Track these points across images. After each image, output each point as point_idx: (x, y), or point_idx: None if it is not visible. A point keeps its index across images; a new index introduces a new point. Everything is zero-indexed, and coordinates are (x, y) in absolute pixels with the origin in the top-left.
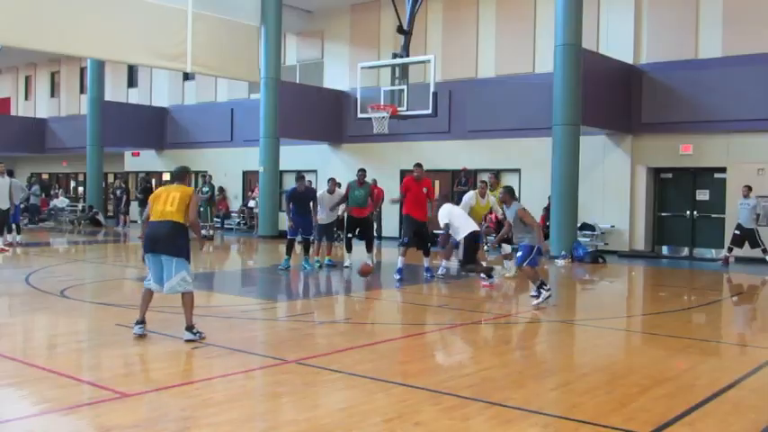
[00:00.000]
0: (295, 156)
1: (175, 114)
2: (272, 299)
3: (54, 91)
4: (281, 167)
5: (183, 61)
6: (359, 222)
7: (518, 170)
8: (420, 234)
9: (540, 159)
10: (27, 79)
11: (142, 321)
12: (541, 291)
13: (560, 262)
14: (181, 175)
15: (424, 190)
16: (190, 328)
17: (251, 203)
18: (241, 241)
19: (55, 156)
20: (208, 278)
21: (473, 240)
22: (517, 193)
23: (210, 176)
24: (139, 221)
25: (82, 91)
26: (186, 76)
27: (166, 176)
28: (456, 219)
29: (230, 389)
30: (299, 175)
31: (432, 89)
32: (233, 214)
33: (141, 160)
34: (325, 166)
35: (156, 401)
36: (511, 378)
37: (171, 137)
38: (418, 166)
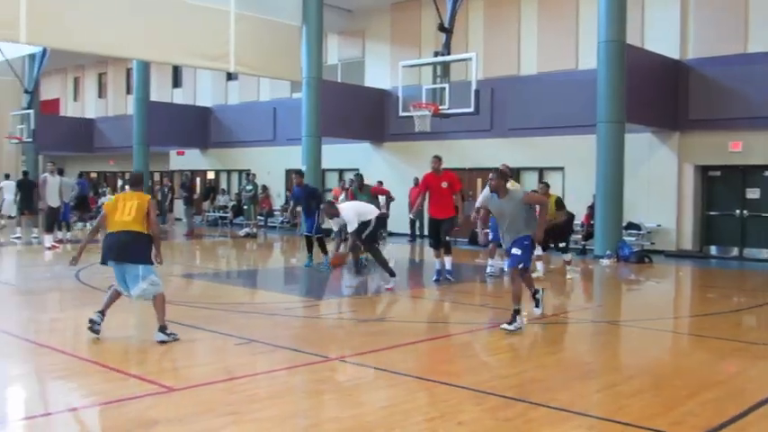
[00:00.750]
0: (337, 154)
1: (219, 114)
2: (314, 296)
3: (101, 92)
4: (324, 166)
5: (226, 61)
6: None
7: (561, 168)
8: (437, 231)
9: (584, 157)
10: (76, 81)
11: (103, 312)
12: (529, 308)
13: (605, 261)
14: (136, 182)
15: (444, 185)
16: (163, 328)
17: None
18: (284, 239)
19: (103, 155)
20: (251, 276)
21: (377, 225)
22: (561, 192)
23: (254, 175)
24: (184, 220)
25: (128, 91)
26: (229, 76)
27: (211, 175)
28: (361, 211)
29: (274, 385)
30: (297, 171)
31: (473, 87)
32: (276, 212)
33: (186, 159)
34: (368, 164)
35: (202, 396)
36: (555, 379)
37: (215, 136)
38: (436, 158)
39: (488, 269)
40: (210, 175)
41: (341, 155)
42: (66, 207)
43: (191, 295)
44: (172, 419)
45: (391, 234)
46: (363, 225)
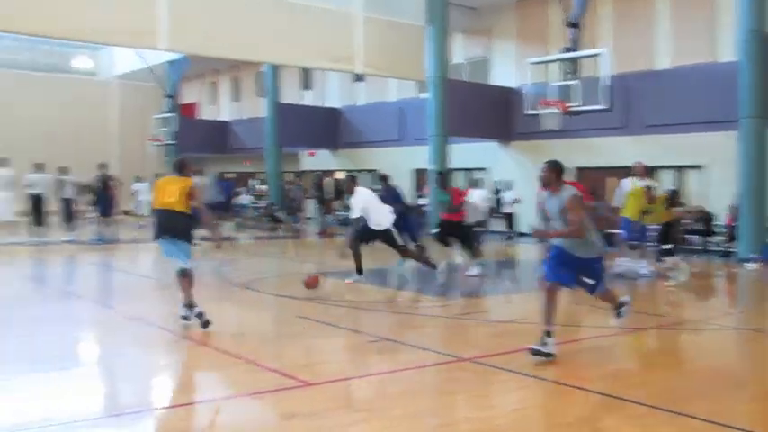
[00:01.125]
0: (464, 154)
1: (347, 115)
2: (445, 296)
3: (236, 95)
4: (451, 166)
5: (352, 63)
6: (450, 227)
7: (700, 167)
8: None
9: (725, 155)
10: (212, 85)
11: (191, 304)
12: (623, 307)
13: (750, 265)
14: (180, 167)
15: None
16: (190, 305)
17: (421, 201)
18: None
19: (237, 156)
20: (382, 274)
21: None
22: (700, 192)
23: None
24: (316, 219)
25: (261, 94)
26: (357, 77)
27: (339, 175)
28: (372, 208)
29: (405, 384)
30: (382, 175)
31: (604, 83)
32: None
33: (316, 159)
34: (495, 164)
35: (336, 392)
36: (698, 388)
37: (344, 136)
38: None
39: (642, 270)
40: (340, 175)
41: (468, 154)
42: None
43: (324, 293)
44: (308, 413)
45: (522, 234)
46: (372, 232)
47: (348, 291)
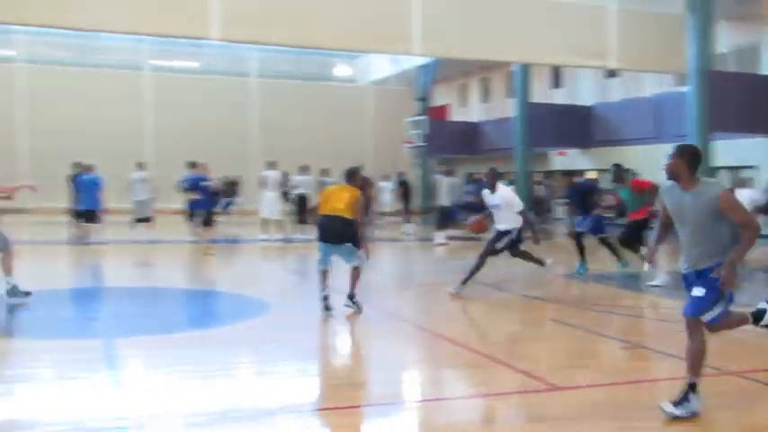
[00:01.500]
0: (729, 151)
1: (599, 112)
2: None
3: (485, 96)
4: (714, 164)
5: (606, 58)
6: (634, 225)
7: None
8: None
9: None
10: (462, 87)
11: (328, 296)
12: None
13: None
14: (350, 176)
15: None
16: (351, 296)
17: None
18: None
19: (487, 157)
20: (633, 278)
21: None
22: None
23: (634, 174)
24: (565, 220)
25: (510, 95)
26: (611, 73)
27: (591, 174)
28: (508, 207)
29: (661, 394)
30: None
31: None
32: (657, 211)
33: (567, 159)
34: (765, 162)
35: (586, 397)
36: None
37: (595, 135)
38: None
39: None
40: (591, 175)
41: (734, 151)
42: (455, 206)
43: (572, 296)
44: (559, 417)
45: None
46: (503, 233)
47: (598, 293)
